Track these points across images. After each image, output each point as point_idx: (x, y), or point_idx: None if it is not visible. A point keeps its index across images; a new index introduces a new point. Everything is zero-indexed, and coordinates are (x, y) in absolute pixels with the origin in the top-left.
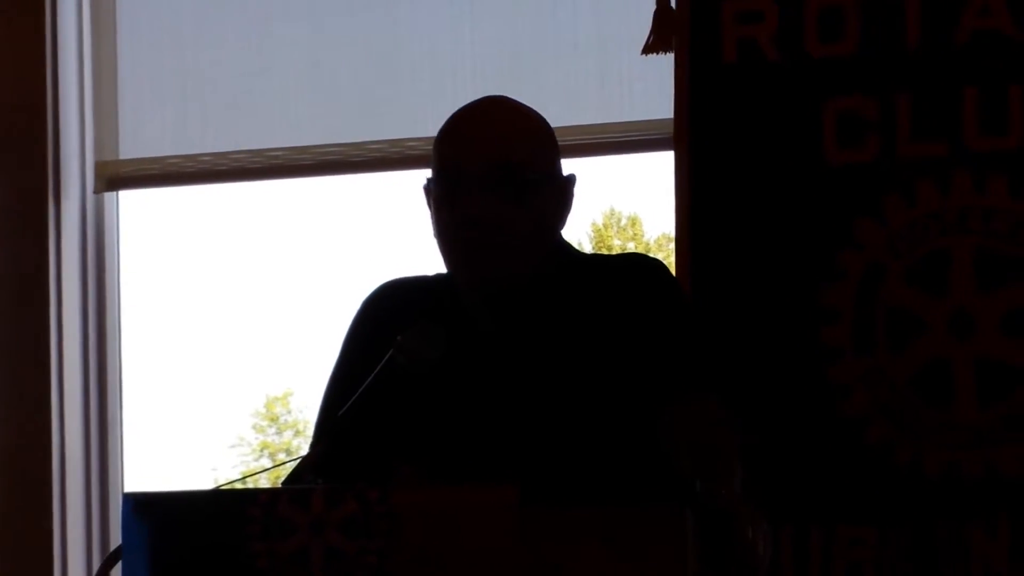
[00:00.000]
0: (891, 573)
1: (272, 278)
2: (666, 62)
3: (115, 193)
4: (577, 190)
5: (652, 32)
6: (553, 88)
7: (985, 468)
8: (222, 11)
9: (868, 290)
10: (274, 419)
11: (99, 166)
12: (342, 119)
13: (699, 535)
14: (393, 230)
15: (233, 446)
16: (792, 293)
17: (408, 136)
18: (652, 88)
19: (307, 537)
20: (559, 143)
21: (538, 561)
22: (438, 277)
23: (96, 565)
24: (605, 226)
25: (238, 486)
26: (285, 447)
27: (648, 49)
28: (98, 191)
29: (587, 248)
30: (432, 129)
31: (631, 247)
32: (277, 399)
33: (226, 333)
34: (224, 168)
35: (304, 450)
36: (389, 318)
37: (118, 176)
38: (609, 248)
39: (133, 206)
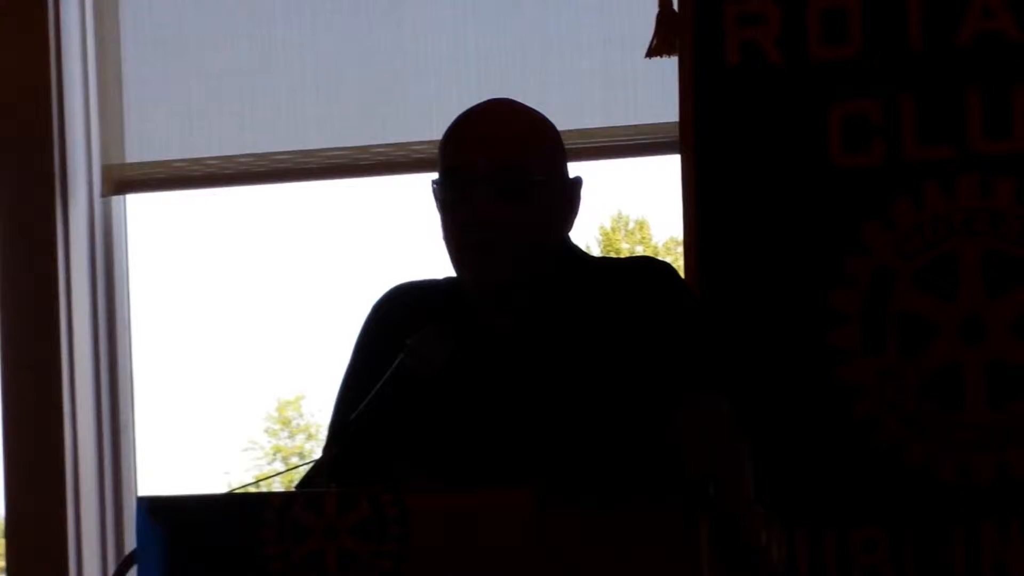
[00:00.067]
0: None
1: (281, 282)
2: (670, 65)
3: (122, 197)
4: (584, 193)
5: (655, 35)
6: (557, 91)
7: (997, 470)
8: (227, 15)
9: (877, 294)
10: (286, 423)
11: (106, 170)
12: (348, 123)
13: (712, 539)
14: (401, 234)
15: (246, 450)
16: (800, 296)
17: (414, 139)
18: (656, 91)
19: (321, 541)
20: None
21: (552, 564)
22: (448, 280)
23: (111, 569)
24: (613, 230)
25: (252, 490)
26: (298, 451)
27: (651, 52)
28: (105, 195)
29: (596, 252)
30: (438, 132)
31: (639, 250)
32: (289, 403)
33: (236, 337)
34: (231, 172)
35: (317, 454)
36: (399, 321)
37: (125, 180)
38: (617, 251)
39: (140, 210)
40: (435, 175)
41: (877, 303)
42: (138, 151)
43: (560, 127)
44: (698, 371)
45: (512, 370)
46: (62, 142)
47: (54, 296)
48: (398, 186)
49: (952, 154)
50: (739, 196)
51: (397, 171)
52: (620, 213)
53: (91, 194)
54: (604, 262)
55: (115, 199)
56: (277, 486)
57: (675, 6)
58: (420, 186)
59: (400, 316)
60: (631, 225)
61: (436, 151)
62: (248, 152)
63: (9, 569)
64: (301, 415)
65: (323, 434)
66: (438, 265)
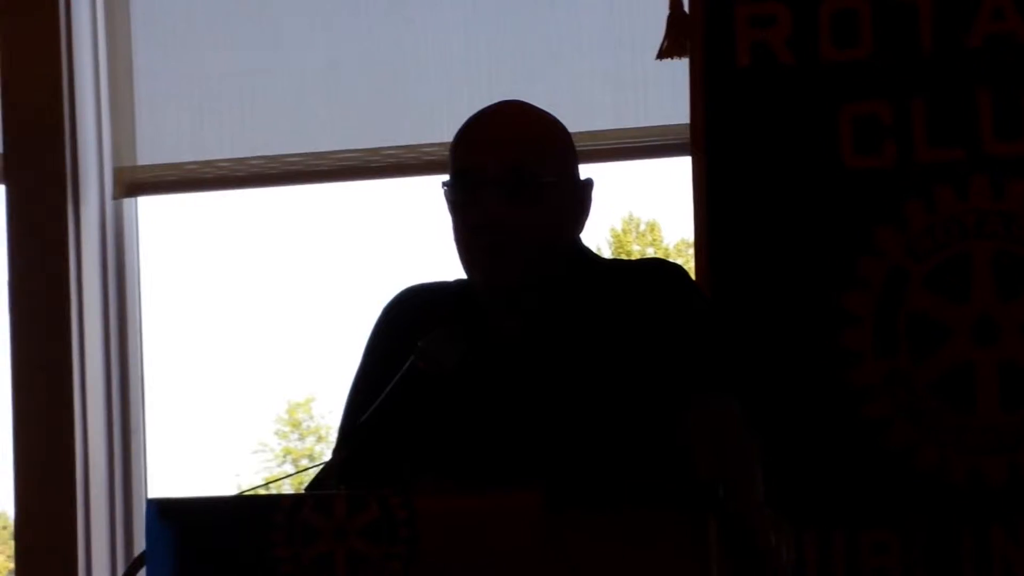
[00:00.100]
0: None
1: (292, 284)
2: (681, 67)
3: (134, 199)
4: (595, 194)
5: (666, 37)
6: (568, 93)
7: (1009, 472)
8: (238, 17)
9: (890, 296)
10: (296, 425)
11: (117, 172)
12: (359, 125)
13: (721, 540)
14: (412, 235)
15: (256, 452)
16: (812, 298)
17: (425, 141)
18: (667, 93)
19: (330, 543)
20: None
21: (561, 566)
22: (459, 282)
23: (120, 571)
24: (624, 232)
25: (261, 492)
26: (308, 453)
27: (662, 54)
28: (117, 197)
29: (607, 254)
30: (448, 134)
31: (650, 252)
32: (299, 405)
33: (247, 339)
34: (242, 174)
35: (327, 456)
36: (410, 323)
37: (136, 182)
38: (628, 253)
39: (152, 212)
40: (446, 177)
41: (890, 305)
42: (150, 153)
43: (571, 129)
44: (709, 373)
45: (522, 372)
46: (74, 144)
47: (65, 298)
48: (409, 188)
49: (964, 156)
50: (750, 198)
51: (408, 173)
52: (631, 215)
53: (102, 196)
54: (615, 264)
55: (126, 201)
56: (287, 488)
57: (686, 8)
58: (431, 188)
59: (410, 318)
60: (642, 227)
61: (447, 153)
62: (259, 154)
63: (18, 569)
64: (311, 417)
65: (333, 436)
66: (449, 267)
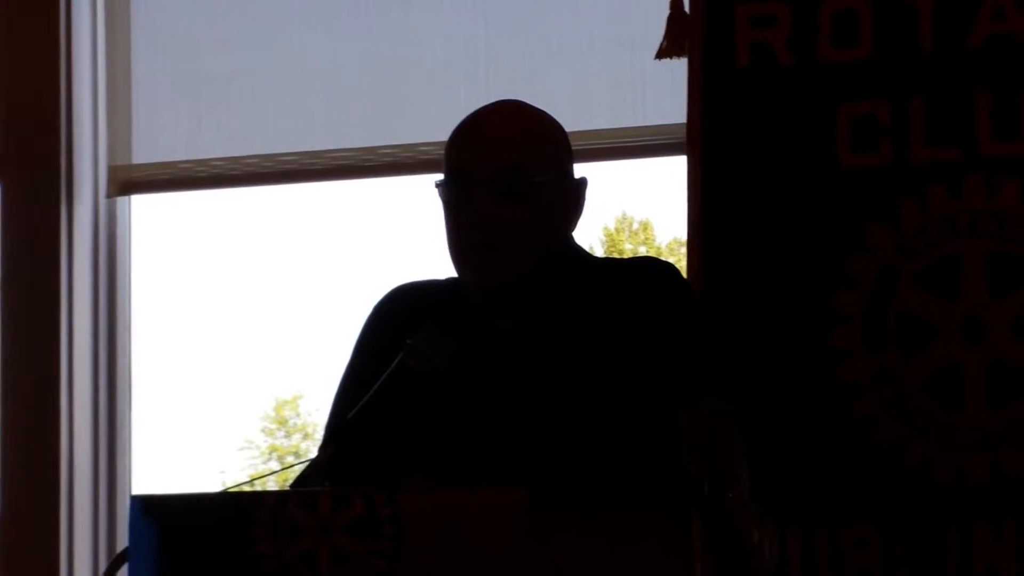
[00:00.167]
0: None
1: (283, 282)
2: (679, 67)
3: (128, 197)
4: (589, 194)
5: (665, 37)
6: (566, 92)
7: (992, 471)
8: (235, 16)
9: (880, 294)
10: (283, 422)
11: (112, 170)
12: (354, 123)
13: (705, 537)
14: (405, 234)
15: (242, 449)
16: (804, 297)
17: (421, 140)
18: (665, 93)
19: (314, 539)
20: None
21: (546, 564)
22: (450, 281)
23: (103, 567)
24: (617, 230)
25: (246, 489)
26: (294, 450)
27: (661, 54)
28: (111, 195)
29: (599, 253)
30: (444, 133)
31: (643, 251)
32: (286, 402)
33: (236, 337)
34: (236, 173)
35: (313, 454)
36: (400, 322)
37: (131, 180)
38: (621, 252)
39: (146, 210)
40: (441, 176)
41: (880, 303)
42: (144, 152)
43: (568, 128)
44: (700, 373)
45: (514, 371)
46: (69, 142)
47: (55, 295)
48: (404, 187)
49: (959, 156)
50: (744, 197)
51: (403, 172)
52: (624, 214)
53: (96, 194)
54: (607, 262)
55: (120, 200)
56: (272, 485)
57: (686, 8)
58: (426, 187)
59: (401, 316)
60: (635, 226)
61: (443, 152)
62: (254, 153)
63: (1, 565)
64: (298, 415)
65: (320, 434)
66: (442, 266)
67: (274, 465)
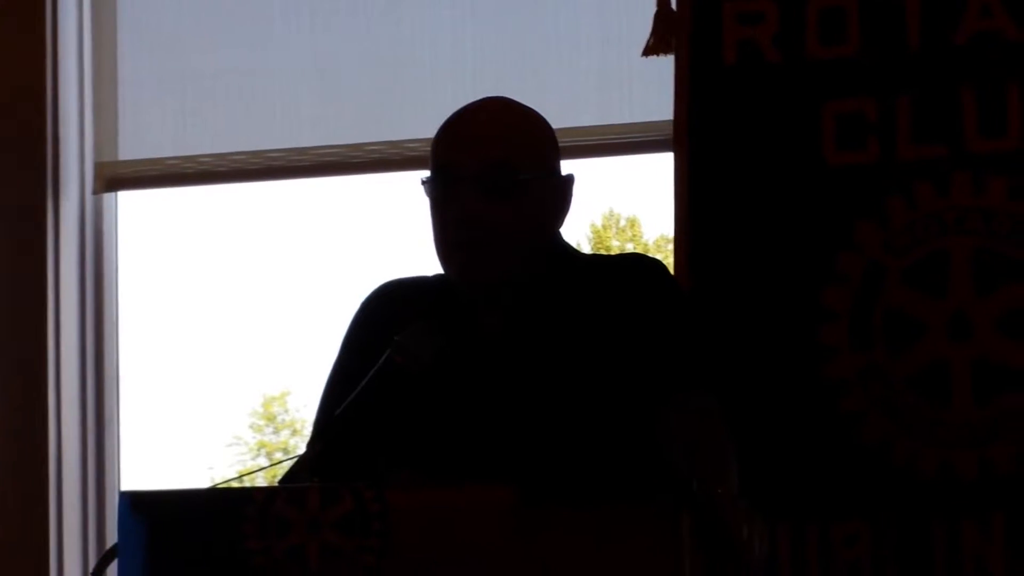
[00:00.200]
0: (886, 571)
1: (270, 279)
2: (666, 64)
3: (114, 194)
4: (576, 191)
5: (652, 33)
6: (553, 89)
7: (980, 467)
8: (222, 13)
9: (867, 291)
10: (271, 419)
11: (99, 167)
12: (342, 120)
13: (695, 534)
14: (392, 231)
15: (230, 445)
16: (791, 294)
17: (408, 137)
18: (652, 90)
19: (303, 535)
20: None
21: (534, 561)
22: (437, 277)
23: (92, 563)
24: (604, 227)
25: (235, 485)
26: (282, 447)
27: (648, 51)
28: (97, 192)
29: (586, 250)
30: (432, 130)
31: (630, 248)
32: (274, 399)
33: (224, 333)
34: (223, 169)
35: (302, 450)
36: (388, 318)
37: (117, 177)
38: (608, 249)
39: (132, 207)
40: (428, 173)
41: (867, 300)
42: (131, 148)
43: (555, 125)
44: (688, 370)
45: (500, 368)
46: (55, 138)
47: (42, 291)
48: (391, 184)
49: (946, 153)
50: (732, 194)
51: (390, 169)
52: (611, 211)
53: (83, 191)
54: (594, 259)
55: (107, 196)
56: (260, 481)
57: (673, 5)
58: (413, 184)
59: (389, 313)
60: (622, 223)
61: (429, 149)
62: (241, 149)
63: None
64: (286, 411)
65: (308, 430)
66: (430, 263)
67: (262, 461)
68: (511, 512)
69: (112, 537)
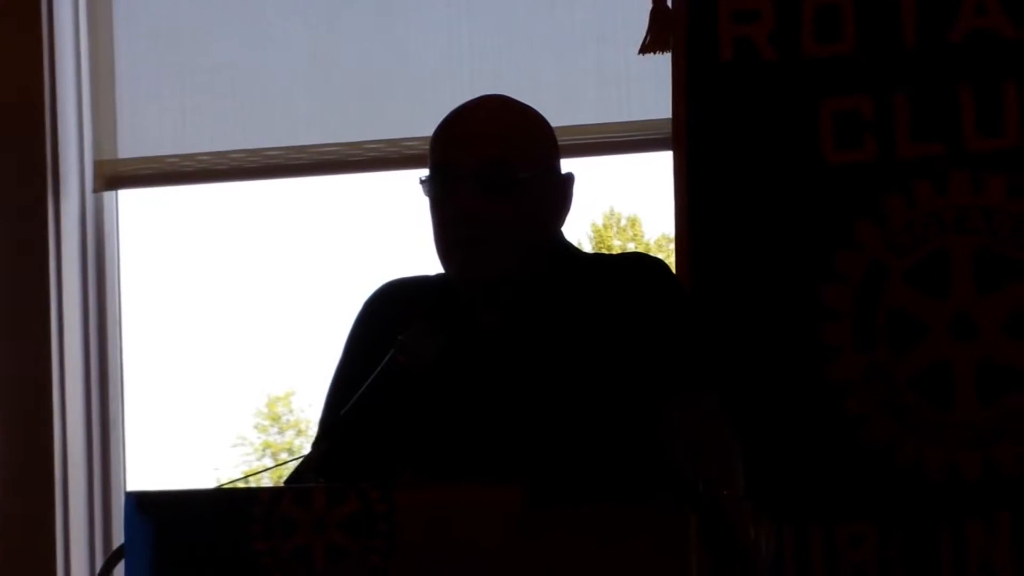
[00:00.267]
0: (892, 572)
1: (273, 277)
2: (663, 62)
3: (114, 192)
4: (576, 189)
5: (649, 31)
6: (551, 88)
7: (984, 467)
8: (220, 10)
9: (869, 291)
10: (276, 419)
11: (98, 165)
12: (340, 119)
13: (701, 534)
14: (392, 229)
15: (235, 445)
16: (792, 293)
17: (406, 136)
18: (650, 88)
19: (309, 536)
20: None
21: (539, 561)
22: (439, 276)
23: (99, 564)
24: (605, 226)
25: (240, 485)
26: (287, 447)
27: (645, 49)
28: (97, 190)
29: (587, 249)
30: (430, 129)
31: (631, 247)
32: (279, 399)
33: (228, 333)
34: (223, 167)
35: (307, 450)
36: (391, 318)
37: (117, 175)
38: (609, 248)
39: (132, 205)
40: (427, 172)
41: (868, 300)
42: (130, 146)
43: (553, 123)
44: (690, 370)
45: (502, 367)
46: (54, 137)
47: (44, 291)
48: (390, 182)
49: (944, 151)
50: (731, 192)
51: (389, 167)
52: (612, 210)
53: (83, 189)
54: (596, 258)
55: (107, 194)
56: (266, 482)
57: (669, 3)
58: (412, 182)
59: (391, 312)
60: (623, 222)
61: (428, 147)
62: (240, 148)
63: None
64: (291, 411)
65: (313, 430)
66: (430, 261)
67: (268, 461)
68: (517, 512)
69: (118, 538)
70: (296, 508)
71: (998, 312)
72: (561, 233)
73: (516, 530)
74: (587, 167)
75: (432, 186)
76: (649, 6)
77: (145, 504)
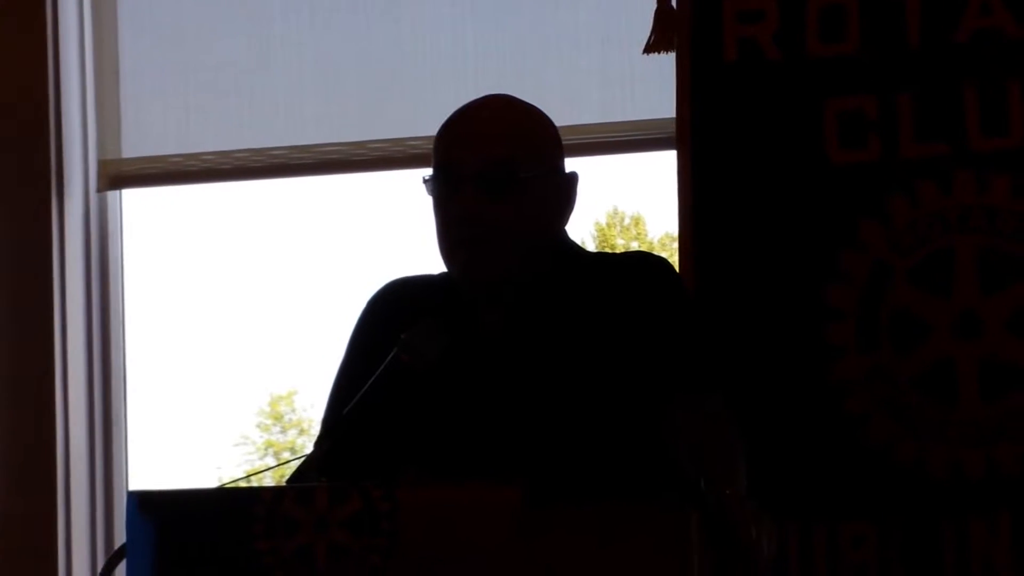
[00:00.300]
0: (894, 571)
1: (275, 277)
2: (668, 61)
3: (118, 192)
4: (580, 189)
5: (653, 31)
6: (555, 87)
7: (987, 466)
8: (224, 10)
9: (873, 290)
10: (278, 418)
11: (102, 165)
12: (344, 118)
13: (703, 533)
14: (396, 229)
15: (237, 445)
16: (796, 292)
17: (410, 135)
18: (654, 87)
19: (311, 535)
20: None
21: (541, 561)
22: (443, 276)
23: (100, 563)
24: (609, 226)
25: (242, 484)
26: (289, 446)
27: (649, 48)
28: (101, 190)
29: (591, 247)
30: (434, 128)
31: (635, 246)
32: (281, 398)
33: (230, 332)
34: (227, 167)
35: (309, 449)
36: (394, 317)
37: (121, 175)
38: (613, 247)
39: (136, 204)
40: (431, 171)
41: (872, 299)
42: (134, 146)
43: (557, 123)
44: (693, 370)
45: (507, 365)
46: (58, 136)
47: (48, 290)
48: (395, 182)
49: (948, 151)
50: (735, 192)
51: (393, 167)
52: (616, 209)
53: (87, 189)
54: (600, 257)
55: (111, 194)
56: (268, 481)
57: (673, 3)
58: (416, 182)
59: (395, 312)
60: (627, 221)
61: (432, 147)
62: (244, 147)
63: None
64: (294, 410)
65: (316, 429)
66: (433, 261)
67: (270, 461)
68: (518, 512)
69: (120, 537)
70: (298, 507)
71: (1002, 311)
72: (565, 232)
73: (517, 529)
74: (591, 166)
75: (436, 185)
76: (653, 6)
77: (147, 503)
